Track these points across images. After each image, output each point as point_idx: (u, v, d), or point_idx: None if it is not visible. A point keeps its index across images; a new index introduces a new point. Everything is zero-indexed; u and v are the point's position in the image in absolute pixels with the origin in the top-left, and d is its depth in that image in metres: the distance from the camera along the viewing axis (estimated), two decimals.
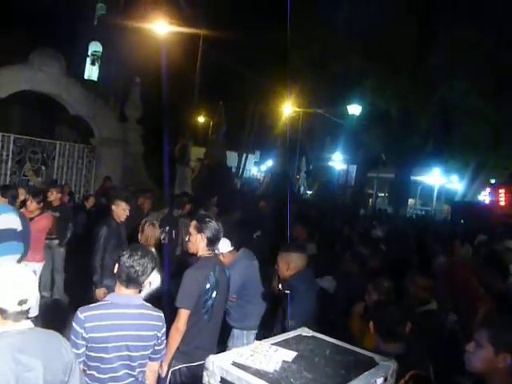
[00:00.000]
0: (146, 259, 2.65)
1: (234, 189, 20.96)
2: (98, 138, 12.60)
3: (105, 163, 12.50)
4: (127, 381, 2.62)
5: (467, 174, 24.84)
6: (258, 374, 1.79)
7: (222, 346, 3.90)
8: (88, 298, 4.50)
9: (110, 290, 3.56)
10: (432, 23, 20.12)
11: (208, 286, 3.19)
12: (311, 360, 1.99)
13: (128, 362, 2.61)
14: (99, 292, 4.87)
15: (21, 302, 1.94)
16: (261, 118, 29.35)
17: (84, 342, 2.51)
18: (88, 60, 22.88)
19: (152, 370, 2.84)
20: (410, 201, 29.17)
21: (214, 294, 3.22)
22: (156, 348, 2.73)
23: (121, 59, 20.00)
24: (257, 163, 38.88)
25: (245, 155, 31.61)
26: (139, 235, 4.88)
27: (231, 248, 4.15)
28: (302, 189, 30.10)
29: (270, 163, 32.99)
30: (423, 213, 28.33)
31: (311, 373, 1.85)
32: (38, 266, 5.78)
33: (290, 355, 1.98)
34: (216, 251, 3.44)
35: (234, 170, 27.36)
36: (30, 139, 11.57)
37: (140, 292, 2.77)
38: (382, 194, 31.33)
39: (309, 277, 3.69)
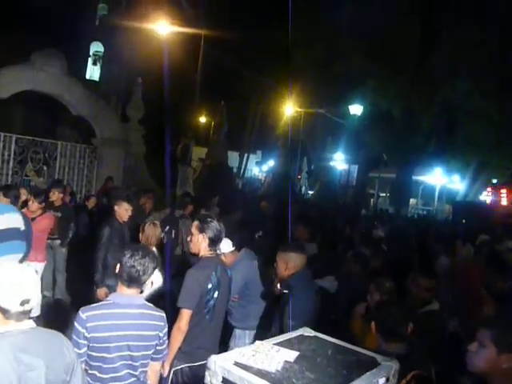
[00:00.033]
0: (147, 259, 2.66)
1: (236, 189, 20.95)
2: (100, 139, 12.61)
3: (106, 163, 12.51)
4: (129, 381, 2.62)
5: (469, 173, 24.84)
6: (260, 373, 1.79)
7: (223, 345, 3.90)
8: (90, 298, 4.50)
9: (112, 289, 3.56)
10: (435, 23, 20.10)
11: (210, 286, 3.19)
12: (313, 360, 1.98)
13: (130, 362, 2.61)
14: (100, 292, 4.88)
15: (23, 302, 1.94)
16: (262, 118, 29.36)
17: (86, 342, 2.52)
18: (90, 60, 22.93)
19: (154, 369, 2.84)
20: (412, 201, 29.16)
21: (215, 294, 3.22)
22: (158, 348, 2.73)
23: (122, 59, 20.03)
24: (258, 163, 38.87)
25: (246, 155, 31.60)
26: (140, 235, 4.88)
27: (233, 248, 4.15)
28: (303, 189, 30.10)
29: (271, 163, 32.99)
30: (425, 213, 28.31)
31: (313, 373, 1.85)
32: (40, 266, 5.78)
33: (291, 355, 1.98)
34: (218, 251, 3.44)
35: (235, 170, 27.38)
36: (32, 139, 11.58)
37: (142, 292, 2.77)
38: (384, 194, 31.30)
39: (307, 277, 3.68)
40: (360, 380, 1.82)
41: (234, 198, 12.97)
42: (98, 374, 2.56)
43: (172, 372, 3.18)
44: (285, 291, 3.39)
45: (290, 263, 3.52)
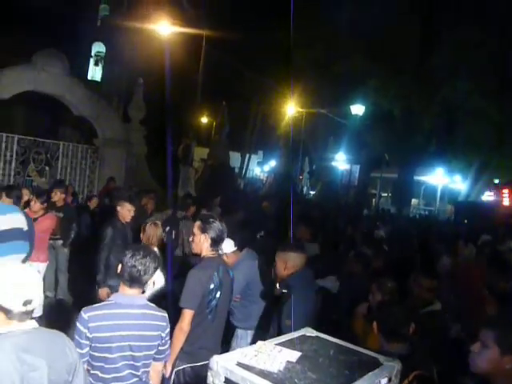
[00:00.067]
0: (148, 259, 2.67)
1: (238, 189, 20.96)
2: (102, 139, 12.63)
3: (108, 164, 12.52)
4: (131, 381, 2.63)
5: (470, 173, 24.78)
6: (262, 374, 1.79)
7: (225, 345, 3.91)
8: (91, 298, 4.51)
9: (114, 290, 3.57)
10: (435, 23, 20.09)
11: (212, 286, 3.19)
12: (315, 360, 1.98)
13: (132, 362, 2.61)
14: (102, 291, 4.88)
15: (26, 303, 1.95)
16: (264, 119, 29.36)
17: (88, 342, 2.52)
18: (91, 61, 22.91)
19: (156, 370, 2.84)
20: (414, 201, 29.14)
21: (217, 295, 3.22)
22: (160, 348, 2.74)
23: (124, 60, 20.02)
24: (260, 163, 38.89)
25: (248, 155, 31.60)
26: (141, 235, 4.89)
27: (235, 248, 4.15)
28: (305, 189, 30.11)
29: (273, 163, 32.99)
30: (426, 213, 28.30)
31: (315, 373, 1.85)
32: (42, 266, 5.80)
33: (294, 355, 1.98)
34: (220, 251, 3.44)
35: (237, 170, 27.36)
36: (34, 140, 11.60)
37: (143, 292, 2.78)
38: (386, 194, 31.29)
39: (307, 276, 3.68)
40: (362, 380, 1.82)
41: (236, 199, 12.97)
42: (100, 374, 2.56)
43: (174, 372, 3.18)
44: (284, 291, 3.39)
45: (288, 263, 3.52)
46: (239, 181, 25.58)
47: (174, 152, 17.63)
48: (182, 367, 3.19)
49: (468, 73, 18.65)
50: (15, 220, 4.17)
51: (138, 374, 2.64)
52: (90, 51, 22.75)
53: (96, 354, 2.54)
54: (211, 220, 3.36)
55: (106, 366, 2.56)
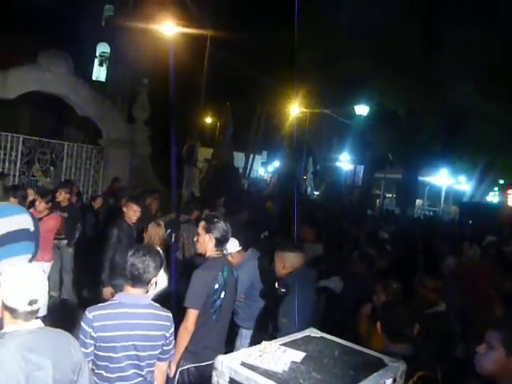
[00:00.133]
0: (148, 257, 2.67)
1: (242, 189, 20.97)
2: (106, 139, 12.65)
3: (113, 164, 12.54)
4: (135, 380, 2.63)
5: (475, 174, 24.72)
6: (267, 374, 1.79)
7: (229, 345, 3.91)
8: (96, 298, 4.52)
9: (118, 289, 3.58)
10: (441, 23, 20.01)
11: (216, 286, 3.20)
12: (320, 361, 1.98)
13: (136, 362, 2.61)
14: (106, 291, 4.90)
15: (31, 302, 1.96)
16: (268, 119, 29.37)
17: (92, 342, 2.53)
18: (96, 61, 22.96)
19: (160, 369, 2.85)
20: (418, 201, 29.06)
21: (222, 295, 3.22)
22: (164, 348, 2.74)
23: (128, 60, 20.07)
24: (264, 164, 38.92)
25: (252, 156, 31.62)
26: (144, 235, 4.90)
27: (239, 248, 4.15)
28: (309, 189, 30.08)
29: (277, 164, 32.99)
30: (431, 213, 28.22)
31: (320, 373, 1.85)
32: (47, 266, 5.81)
33: (298, 356, 1.97)
34: (224, 251, 3.45)
35: (241, 170, 27.39)
36: (39, 140, 11.62)
37: (147, 292, 2.78)
38: (390, 195, 31.26)
39: (306, 276, 3.67)
40: (367, 381, 1.82)
41: (240, 199, 12.99)
42: (105, 374, 2.57)
43: (178, 372, 3.18)
44: (283, 290, 3.39)
45: (287, 262, 3.52)
46: (243, 181, 25.58)
47: (178, 152, 17.61)
48: (186, 367, 3.19)
49: (472, 74, 18.57)
50: (22, 221, 4.19)
51: (143, 373, 2.65)
52: (95, 51, 22.80)
53: (101, 353, 2.55)
54: (216, 220, 3.36)
55: (111, 366, 2.56)
